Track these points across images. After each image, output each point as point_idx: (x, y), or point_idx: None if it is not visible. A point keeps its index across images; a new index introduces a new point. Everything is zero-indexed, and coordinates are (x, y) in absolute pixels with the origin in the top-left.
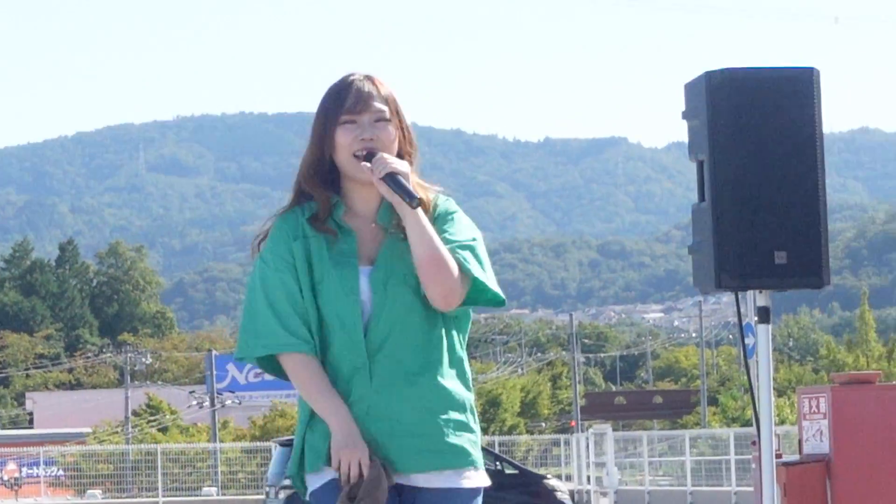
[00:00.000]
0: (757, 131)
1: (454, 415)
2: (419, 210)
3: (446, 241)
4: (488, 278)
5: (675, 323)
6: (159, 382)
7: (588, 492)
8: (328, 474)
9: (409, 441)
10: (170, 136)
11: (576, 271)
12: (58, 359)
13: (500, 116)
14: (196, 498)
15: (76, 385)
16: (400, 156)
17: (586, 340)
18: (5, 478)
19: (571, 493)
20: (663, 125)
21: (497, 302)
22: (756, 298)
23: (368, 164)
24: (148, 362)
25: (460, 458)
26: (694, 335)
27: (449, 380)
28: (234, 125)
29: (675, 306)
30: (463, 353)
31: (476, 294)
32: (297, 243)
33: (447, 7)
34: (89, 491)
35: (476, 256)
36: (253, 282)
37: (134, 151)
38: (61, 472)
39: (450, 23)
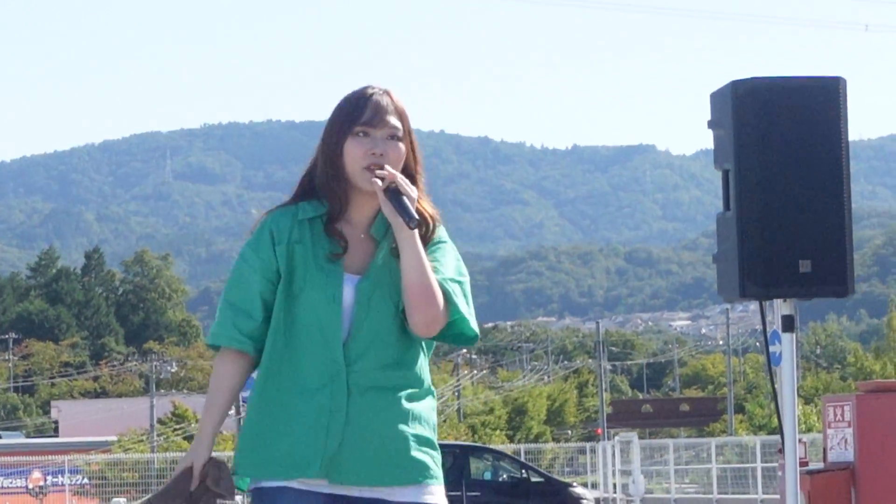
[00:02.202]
0: (783, 141)
1: (422, 431)
2: (415, 234)
3: (435, 270)
4: (470, 315)
5: (703, 330)
6: (185, 391)
7: (614, 499)
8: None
9: (380, 454)
10: (197, 144)
11: (603, 279)
12: (83, 367)
13: (528, 124)
14: None
15: (101, 393)
16: (408, 174)
17: (613, 348)
18: (31, 486)
19: (597, 501)
20: (692, 133)
21: (470, 339)
22: (780, 307)
23: (378, 181)
24: (173, 370)
25: (425, 474)
26: (721, 343)
27: (419, 399)
28: (262, 133)
29: (702, 314)
30: (428, 375)
31: (454, 329)
32: (281, 247)
33: (476, 15)
34: (114, 499)
35: (464, 292)
36: (230, 273)
37: (161, 159)
38: (86, 481)
39: (478, 31)
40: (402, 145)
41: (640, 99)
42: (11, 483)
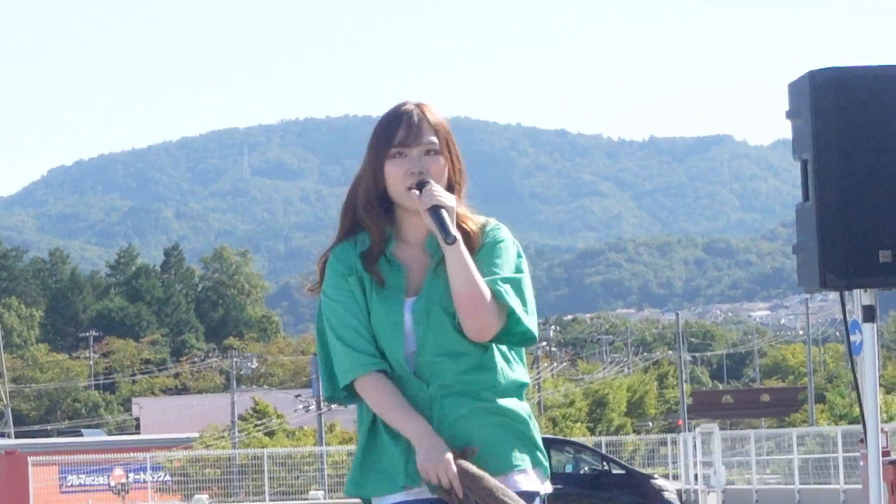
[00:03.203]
0: (861, 130)
1: (509, 423)
2: (459, 244)
3: (491, 273)
4: (525, 313)
5: (782, 321)
6: (265, 386)
7: (695, 491)
8: (397, 497)
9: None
10: (274, 139)
11: (682, 270)
12: (164, 364)
13: (605, 116)
14: (303, 502)
15: (182, 390)
16: (450, 187)
17: (693, 339)
18: (113, 484)
19: (679, 493)
20: (769, 122)
21: (527, 339)
22: (861, 297)
23: (418, 193)
24: (254, 366)
25: (514, 462)
26: (801, 333)
27: (507, 398)
28: (339, 128)
29: (781, 304)
30: (517, 366)
31: (508, 327)
32: (353, 278)
33: (552, 7)
34: (196, 496)
35: (518, 290)
36: (319, 320)
37: (238, 156)
38: (168, 478)
39: (554, 23)
40: (441, 159)
41: (717, 89)
42: (94, 481)
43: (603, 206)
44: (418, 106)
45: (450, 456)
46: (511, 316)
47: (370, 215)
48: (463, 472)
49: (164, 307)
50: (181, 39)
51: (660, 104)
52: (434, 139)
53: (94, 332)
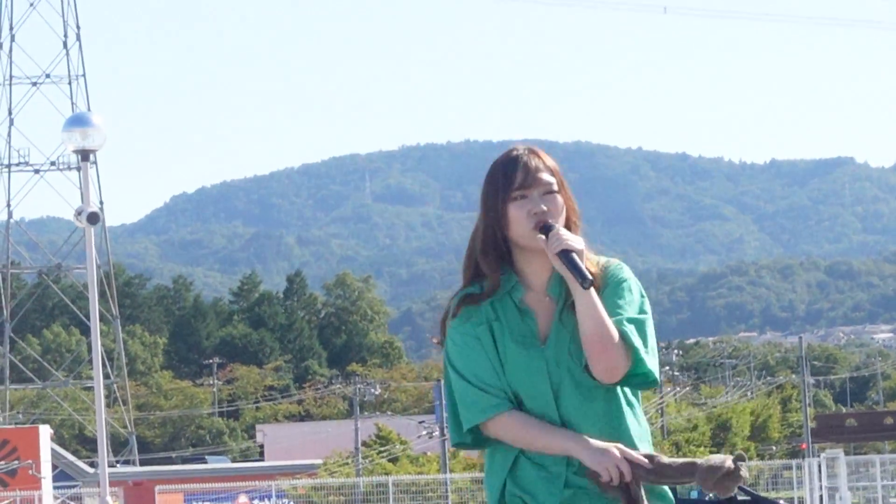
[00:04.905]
0: None
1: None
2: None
3: (615, 313)
4: (647, 354)
5: None
6: (389, 413)
7: None
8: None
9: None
10: (395, 165)
11: (804, 293)
12: (287, 390)
13: (726, 139)
14: None
15: (306, 416)
16: (567, 225)
17: (816, 362)
18: None
19: None
20: (891, 144)
21: (650, 382)
22: None
23: (544, 238)
24: (377, 392)
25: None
26: None
27: (640, 442)
28: (460, 153)
29: None
30: (640, 411)
31: (632, 368)
32: (483, 328)
33: (672, 31)
34: None
35: (642, 331)
36: (446, 365)
37: (360, 182)
38: None
39: (674, 47)
40: (559, 198)
41: (838, 111)
42: None
43: (724, 229)
44: (531, 150)
45: (617, 447)
46: (635, 357)
47: (488, 260)
48: (634, 462)
49: (287, 333)
50: (303, 66)
51: (780, 127)
52: (552, 179)
53: (217, 359)
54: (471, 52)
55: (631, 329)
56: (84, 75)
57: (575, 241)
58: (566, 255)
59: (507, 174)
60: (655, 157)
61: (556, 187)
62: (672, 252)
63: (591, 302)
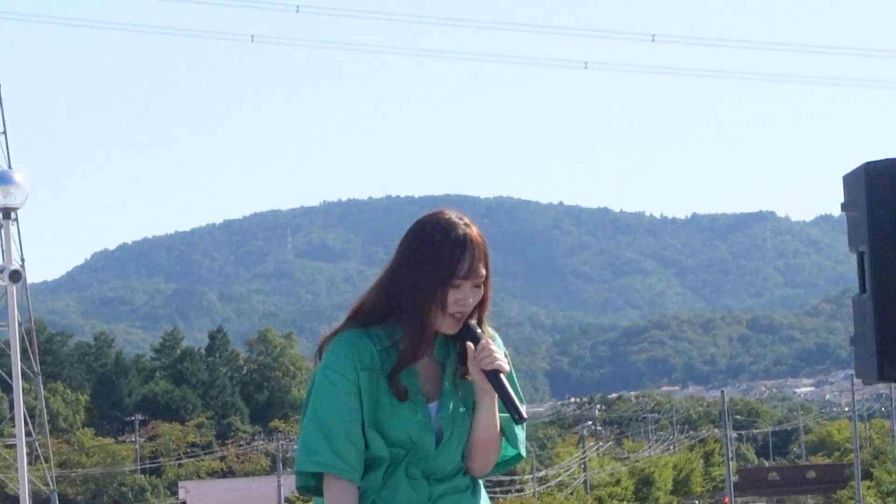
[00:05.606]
0: None
1: None
2: (495, 396)
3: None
4: (519, 444)
5: (827, 396)
6: None
7: None
8: None
9: None
10: (317, 221)
11: (726, 347)
12: (210, 447)
13: (647, 193)
14: None
15: (228, 473)
16: (479, 318)
17: (738, 416)
18: None
19: None
20: (811, 198)
21: (511, 462)
22: None
23: (472, 347)
24: None
25: None
26: (846, 409)
27: (481, 496)
28: (381, 209)
29: (826, 380)
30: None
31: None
32: (366, 374)
33: (591, 86)
34: None
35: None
36: (312, 395)
37: (281, 237)
38: None
39: (595, 102)
40: (483, 290)
41: (758, 166)
42: None
43: (646, 283)
44: (468, 225)
45: None
46: (518, 457)
47: (422, 318)
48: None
49: (210, 390)
50: (223, 122)
51: (701, 181)
52: (484, 272)
53: (139, 416)
54: (391, 110)
55: (523, 436)
56: (5, 132)
57: (503, 361)
58: (497, 378)
59: (454, 259)
60: (577, 212)
61: (484, 279)
62: (594, 306)
63: (493, 411)
